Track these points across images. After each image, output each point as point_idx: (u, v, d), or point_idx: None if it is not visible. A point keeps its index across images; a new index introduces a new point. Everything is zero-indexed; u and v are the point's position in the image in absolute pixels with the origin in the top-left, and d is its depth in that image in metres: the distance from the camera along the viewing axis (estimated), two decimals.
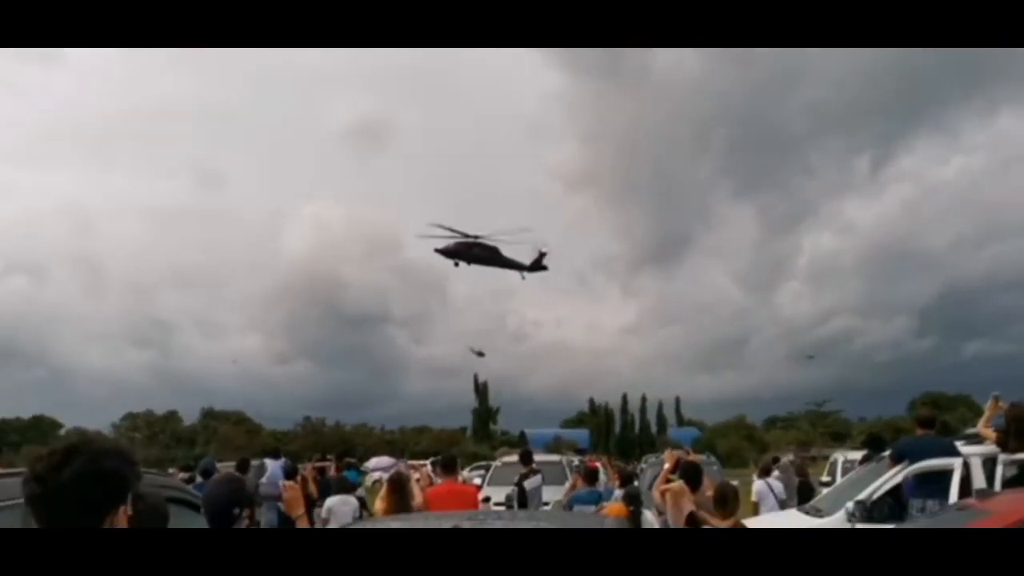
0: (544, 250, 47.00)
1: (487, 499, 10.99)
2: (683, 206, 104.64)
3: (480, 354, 63.33)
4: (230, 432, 62.92)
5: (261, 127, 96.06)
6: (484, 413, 75.17)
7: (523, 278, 48.35)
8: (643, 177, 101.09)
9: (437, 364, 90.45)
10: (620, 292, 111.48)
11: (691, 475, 7.45)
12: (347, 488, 10.23)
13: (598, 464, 15.89)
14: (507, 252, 46.63)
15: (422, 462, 27.98)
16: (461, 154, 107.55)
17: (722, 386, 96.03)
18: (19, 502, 3.20)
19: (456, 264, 45.50)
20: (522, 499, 10.34)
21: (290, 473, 11.18)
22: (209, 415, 70.05)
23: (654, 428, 78.58)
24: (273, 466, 12.39)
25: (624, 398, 79.56)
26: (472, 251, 45.13)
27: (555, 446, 47.61)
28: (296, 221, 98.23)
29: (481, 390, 75.07)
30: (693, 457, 11.00)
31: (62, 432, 67.66)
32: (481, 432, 73.16)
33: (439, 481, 8.81)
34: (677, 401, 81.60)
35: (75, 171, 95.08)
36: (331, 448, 41.86)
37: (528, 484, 10.51)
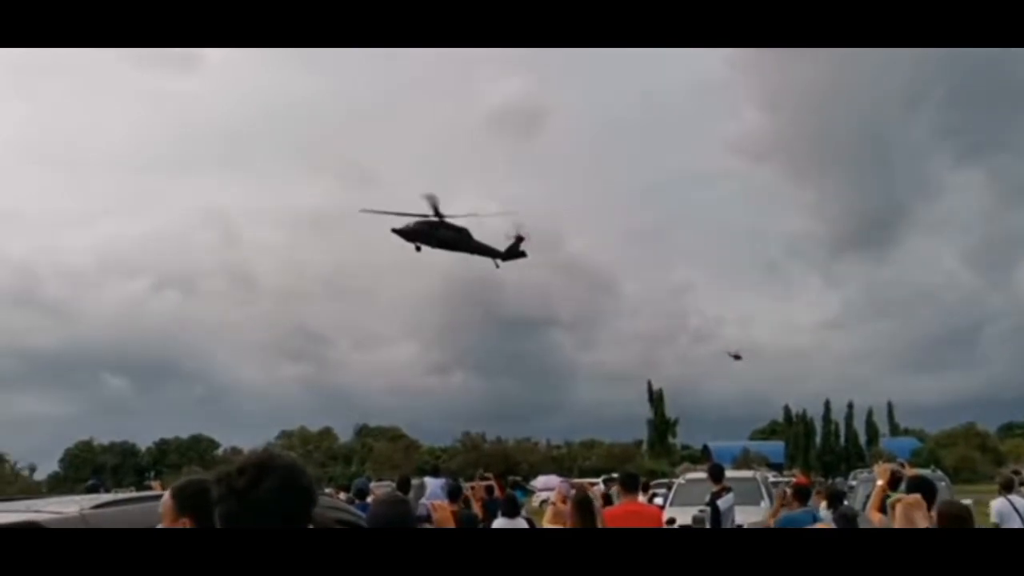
0: (521, 234, 43.51)
1: (671, 520, 10.78)
2: (894, 176, 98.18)
3: (737, 357, 62.21)
4: (386, 449, 65.59)
5: (406, 121, 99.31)
6: (661, 424, 74.19)
7: (497, 266, 45.63)
8: (842, 144, 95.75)
9: (608, 371, 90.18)
10: (820, 281, 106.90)
11: (924, 488, 6.91)
12: (515, 510, 10.31)
13: (807, 481, 15.25)
14: (479, 235, 42.98)
15: (592, 480, 28.02)
16: (626, 134, 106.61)
17: (946, 388, 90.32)
18: None
19: (418, 249, 41.72)
20: (715, 520, 10.07)
21: (454, 493, 11.41)
22: (364, 432, 73.26)
23: (863, 439, 74.78)
24: (433, 485, 12.72)
25: (826, 404, 76.11)
26: (436, 233, 41.44)
27: (744, 461, 46.41)
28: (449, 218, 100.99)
29: (656, 399, 74.19)
30: (912, 471, 10.29)
31: (219, 452, 73.19)
32: (658, 446, 72.31)
33: (617, 501, 8.71)
34: (890, 407, 77.20)
35: (219, 179, 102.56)
36: (493, 465, 42.77)
37: (721, 503, 10.23)
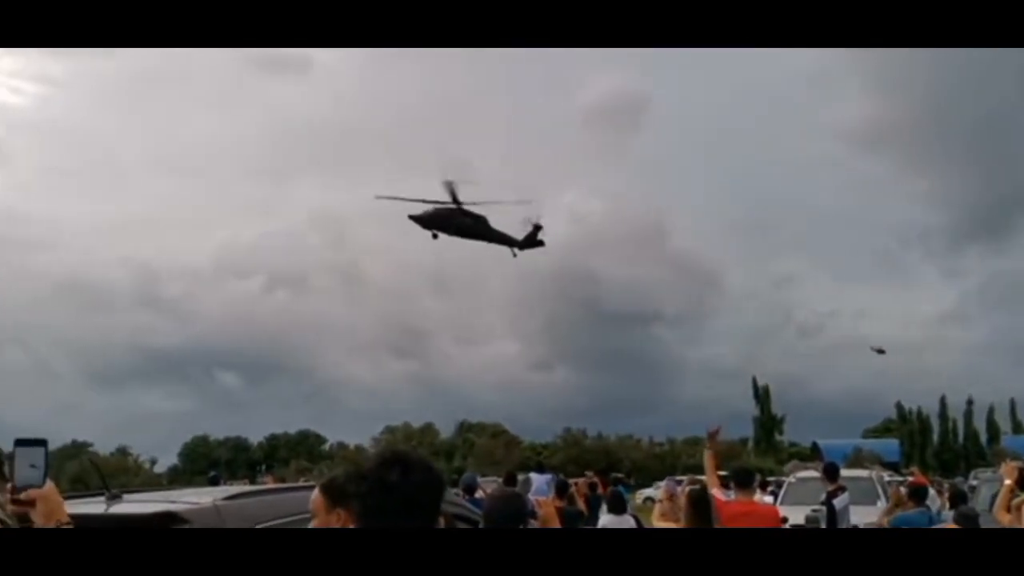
0: (539, 223, 42.31)
1: (783, 520, 10.58)
2: (1015, 163, 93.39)
3: (880, 351, 60.74)
4: (488, 445, 66.20)
5: (505, 119, 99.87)
6: (768, 421, 72.58)
7: (515, 255, 44.05)
8: (961, 129, 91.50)
9: (712, 366, 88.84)
10: (936, 272, 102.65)
11: None
12: (622, 507, 10.30)
13: (926, 480, 14.71)
14: (496, 224, 41.76)
15: (697, 477, 27.61)
16: (727, 125, 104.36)
17: None
18: (306, 516, 3.59)
19: (435, 236, 41.35)
20: (831, 520, 9.85)
21: (561, 489, 11.49)
22: (466, 428, 74.17)
23: (983, 437, 71.53)
24: (539, 481, 12.83)
25: (942, 401, 73.03)
26: (454, 220, 40.82)
27: (856, 459, 44.91)
28: (550, 214, 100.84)
29: (762, 395, 72.63)
30: None
31: (326, 447, 75.32)
32: (765, 443, 70.80)
33: (723, 497, 8.59)
34: (1012, 404, 73.50)
35: (327, 180, 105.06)
36: (594, 462, 42.67)
37: (836, 503, 10.00)
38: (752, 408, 72.91)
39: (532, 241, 42.59)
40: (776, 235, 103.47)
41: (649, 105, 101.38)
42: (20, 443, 1.97)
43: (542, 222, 42.26)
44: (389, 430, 74.29)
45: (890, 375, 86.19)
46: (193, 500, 3.71)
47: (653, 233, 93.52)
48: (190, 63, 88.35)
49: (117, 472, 59.45)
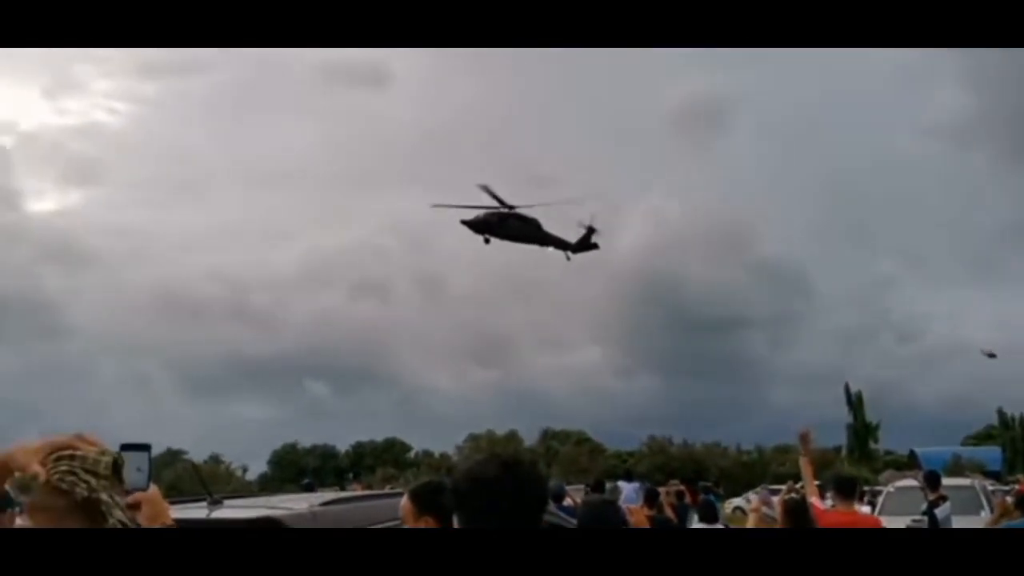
0: (592, 225, 41.36)
1: None
2: None
3: (991, 355, 59.08)
4: (572, 453, 66.04)
5: (585, 123, 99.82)
6: (862, 429, 70.46)
7: (568, 259, 42.84)
8: None
9: (801, 372, 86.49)
10: None
11: None
12: (712, 516, 10.16)
13: None
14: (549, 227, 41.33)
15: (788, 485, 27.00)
16: (815, 125, 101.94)
17: None
18: (396, 522, 3.63)
19: (487, 241, 40.38)
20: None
21: (651, 497, 11.35)
22: (549, 435, 74.12)
23: None
24: (628, 489, 12.74)
25: None
26: (507, 224, 40.13)
27: (955, 467, 43.34)
28: (631, 218, 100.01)
29: (856, 401, 70.59)
30: None
31: (411, 455, 76.19)
32: (859, 451, 68.76)
33: (822, 507, 8.36)
34: None
35: (407, 188, 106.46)
36: (680, 470, 42.17)
37: (938, 512, 9.66)
38: (845, 415, 70.85)
39: (586, 244, 42.13)
40: (869, 236, 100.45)
41: (734, 106, 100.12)
42: (125, 447, 2.04)
43: (597, 224, 41.98)
44: (473, 438, 74.68)
45: (990, 380, 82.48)
46: (290, 506, 3.79)
47: (739, 235, 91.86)
48: (273, 77, 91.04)
49: (210, 479, 61.33)
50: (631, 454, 66.81)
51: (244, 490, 55.24)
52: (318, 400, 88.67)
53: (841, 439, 71.52)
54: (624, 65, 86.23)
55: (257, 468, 73.79)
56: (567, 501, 11.07)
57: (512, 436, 75.84)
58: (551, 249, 42.89)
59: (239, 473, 67.72)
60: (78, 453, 1.92)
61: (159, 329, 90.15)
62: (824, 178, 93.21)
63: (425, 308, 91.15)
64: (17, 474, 1.94)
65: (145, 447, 2.09)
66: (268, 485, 64.55)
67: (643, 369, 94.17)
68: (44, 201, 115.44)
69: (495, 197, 39.30)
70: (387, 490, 9.68)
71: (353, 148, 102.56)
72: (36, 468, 1.90)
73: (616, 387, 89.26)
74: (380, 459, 72.32)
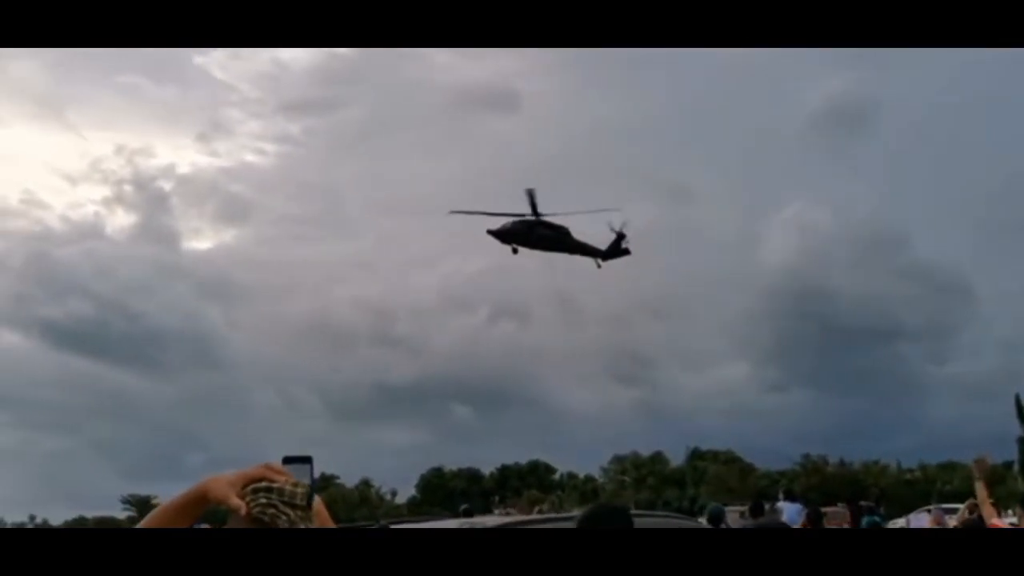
0: (622, 231, 39.24)
1: None
2: None
3: None
4: (720, 472, 64.66)
5: (721, 130, 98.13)
6: None
7: (599, 266, 40.39)
8: None
9: (964, 384, 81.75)
10: None
11: None
12: None
13: None
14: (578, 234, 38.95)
15: (952, 507, 25.59)
16: (965, 124, 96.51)
17: None
18: None
19: (515, 251, 38.48)
20: None
21: (815, 519, 11.13)
22: (696, 455, 72.77)
23: None
24: (789, 510, 12.51)
25: None
26: (534, 232, 38.05)
27: None
28: (775, 228, 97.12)
29: None
30: None
31: (556, 476, 76.38)
32: None
33: (1002, 524, 8.07)
34: None
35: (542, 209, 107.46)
36: (838, 490, 40.65)
37: None
38: (1016, 429, 66.65)
39: (616, 250, 40.38)
40: None
41: (878, 107, 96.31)
42: (288, 460, 2.10)
43: (631, 226, 39.94)
44: (617, 459, 74.28)
45: None
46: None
47: (889, 242, 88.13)
48: (407, 108, 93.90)
49: (361, 503, 63.37)
50: (783, 473, 64.72)
51: (395, 514, 56.77)
52: (462, 424, 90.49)
53: (1012, 454, 67.15)
54: (757, 66, 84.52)
55: (405, 492, 75.87)
56: (723, 524, 11.00)
57: (657, 457, 74.87)
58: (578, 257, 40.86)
59: (388, 497, 69.70)
60: (275, 486, 1.98)
61: (309, 358, 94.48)
62: (978, 179, 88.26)
63: (564, 328, 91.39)
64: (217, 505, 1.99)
65: (307, 459, 2.12)
66: (417, 508, 66.05)
67: (795, 384, 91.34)
68: (200, 240, 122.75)
69: (532, 205, 37.80)
70: (538, 514, 9.87)
71: (486, 172, 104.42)
72: (236, 501, 1.95)
73: (766, 404, 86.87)
74: (525, 481, 72.83)
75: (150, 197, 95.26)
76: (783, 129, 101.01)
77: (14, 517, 63.23)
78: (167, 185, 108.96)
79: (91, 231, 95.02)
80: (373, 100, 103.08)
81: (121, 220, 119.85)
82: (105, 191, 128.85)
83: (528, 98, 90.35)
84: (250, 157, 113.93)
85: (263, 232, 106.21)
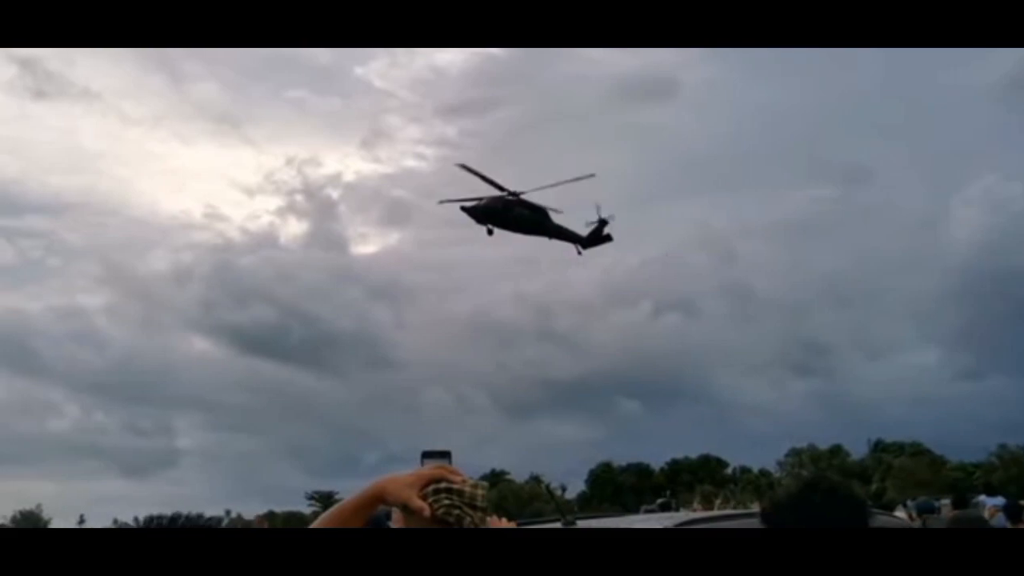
0: (605, 217, 36.08)
1: None
2: None
3: None
4: (908, 465, 61.52)
5: (897, 106, 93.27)
6: None
7: (579, 253, 37.03)
8: None
9: None
10: None
11: None
12: None
13: None
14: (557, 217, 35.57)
15: None
16: None
17: None
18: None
19: (490, 232, 34.87)
20: None
21: (1015, 513, 10.36)
22: (879, 447, 69.63)
23: None
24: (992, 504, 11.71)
25: None
26: (512, 212, 34.69)
27: None
28: (962, 204, 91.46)
29: None
30: None
31: (728, 471, 74.73)
32: None
33: None
34: None
35: (708, 200, 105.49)
36: None
37: None
38: None
39: (597, 237, 37.71)
40: None
41: None
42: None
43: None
44: (794, 452, 71.89)
45: None
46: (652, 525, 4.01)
47: None
48: (564, 105, 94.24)
49: (531, 499, 64.06)
50: (978, 466, 60.76)
51: (566, 510, 56.77)
52: (630, 418, 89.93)
53: None
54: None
55: (574, 487, 76.16)
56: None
57: (837, 450, 71.94)
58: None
59: (559, 492, 70.12)
60: (455, 487, 1.99)
61: (476, 356, 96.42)
62: None
63: (734, 318, 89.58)
64: (398, 506, 2.02)
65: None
66: (586, 505, 66.26)
67: (991, 370, 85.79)
68: (367, 244, 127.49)
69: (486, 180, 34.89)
70: (728, 511, 9.66)
71: (646, 164, 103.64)
72: (418, 502, 1.97)
73: (957, 392, 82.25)
74: (696, 476, 71.63)
75: (319, 205, 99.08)
76: (966, 101, 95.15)
77: (211, 512, 67.61)
78: (335, 193, 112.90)
79: (267, 240, 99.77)
80: (528, 98, 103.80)
81: (294, 228, 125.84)
82: (279, 201, 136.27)
83: (688, 88, 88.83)
84: (410, 162, 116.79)
85: (425, 234, 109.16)
